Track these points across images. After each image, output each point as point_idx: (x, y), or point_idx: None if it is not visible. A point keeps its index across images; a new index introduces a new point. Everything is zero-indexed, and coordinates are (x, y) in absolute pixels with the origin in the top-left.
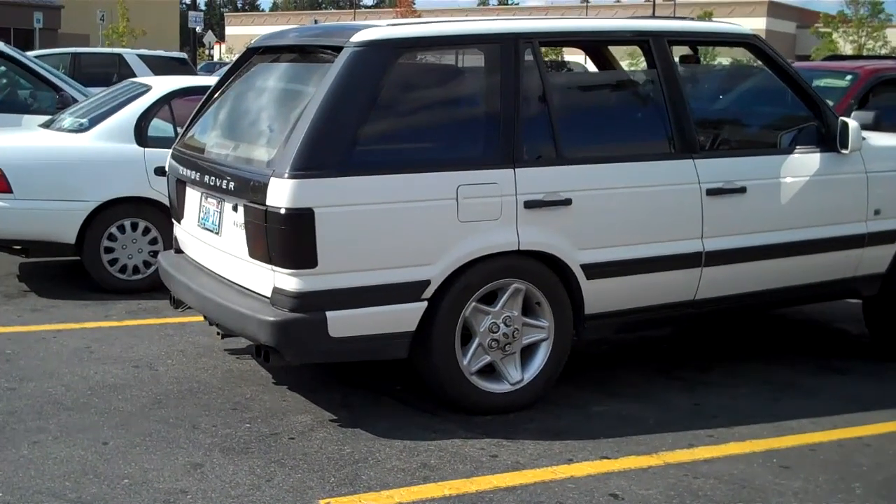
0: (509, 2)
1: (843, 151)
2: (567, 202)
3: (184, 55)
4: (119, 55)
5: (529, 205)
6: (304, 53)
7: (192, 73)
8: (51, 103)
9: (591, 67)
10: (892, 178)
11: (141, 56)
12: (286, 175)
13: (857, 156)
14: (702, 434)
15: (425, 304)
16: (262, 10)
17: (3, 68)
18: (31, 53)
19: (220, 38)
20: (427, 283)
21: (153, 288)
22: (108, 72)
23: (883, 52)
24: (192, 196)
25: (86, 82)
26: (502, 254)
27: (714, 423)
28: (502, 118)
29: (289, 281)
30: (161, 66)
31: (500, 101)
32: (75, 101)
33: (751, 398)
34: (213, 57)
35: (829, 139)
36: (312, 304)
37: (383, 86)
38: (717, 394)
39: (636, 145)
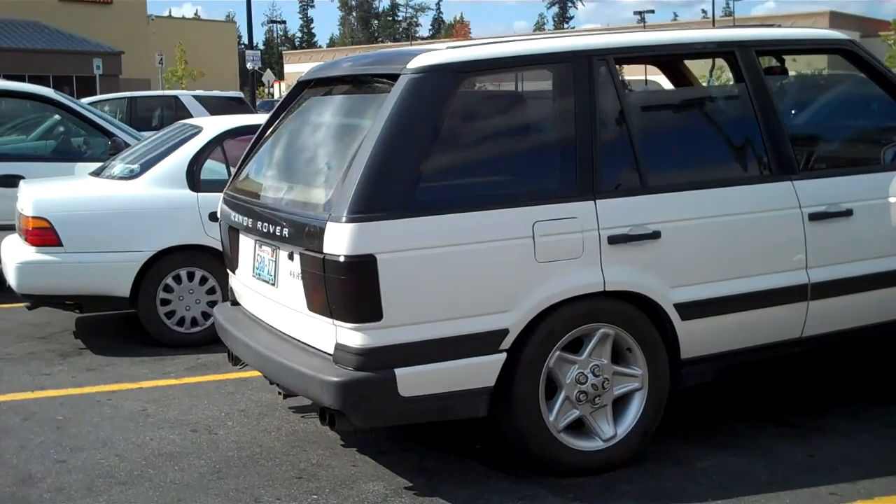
0: (565, 25)
1: None
2: (655, 235)
3: (240, 94)
4: (175, 97)
5: (614, 240)
6: (359, 84)
7: (250, 112)
8: (104, 150)
9: (667, 85)
10: None
11: (197, 97)
12: (344, 219)
13: None
14: (822, 491)
15: (504, 355)
16: (320, 47)
17: (56, 116)
18: (85, 100)
19: (279, 76)
20: (505, 332)
21: (213, 341)
22: (164, 114)
23: None
24: (246, 244)
25: (143, 126)
26: (586, 296)
27: (835, 478)
28: (578, 145)
29: (352, 336)
30: (217, 107)
31: (574, 125)
32: (128, 146)
33: (873, 446)
34: (272, 95)
35: None
36: (379, 362)
37: (446, 115)
38: (834, 442)
39: (728, 168)
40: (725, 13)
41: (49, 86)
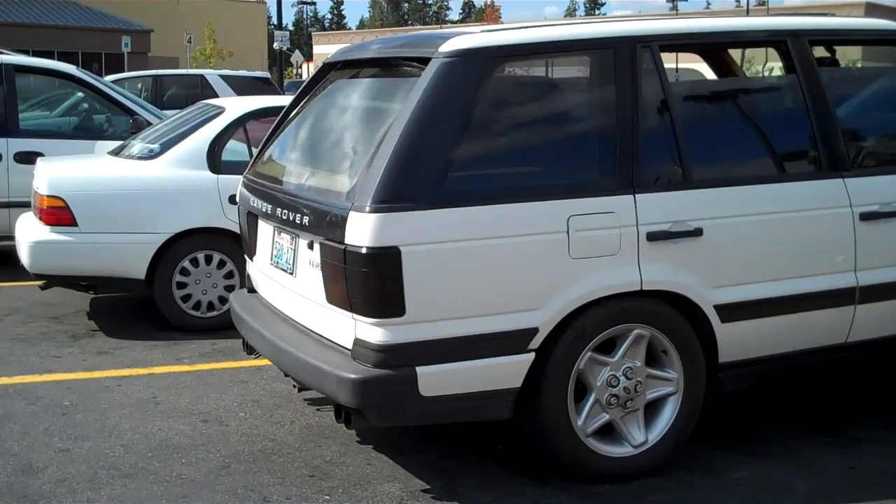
0: (596, 12)
1: None
2: (697, 232)
3: (267, 74)
4: (201, 76)
5: (653, 236)
6: (388, 67)
7: (276, 92)
8: (126, 128)
9: (708, 74)
10: None
11: (223, 77)
12: (367, 208)
13: None
14: None
15: (532, 355)
16: (349, 28)
17: (79, 94)
18: (109, 77)
19: (308, 57)
20: (534, 331)
21: (229, 326)
22: (190, 93)
23: None
24: (265, 230)
25: (169, 105)
26: (622, 295)
27: (878, 494)
28: (619, 136)
29: (372, 332)
30: (244, 87)
31: (615, 115)
32: (150, 125)
33: None
34: (301, 76)
35: None
36: (400, 359)
37: (479, 101)
38: (876, 453)
39: (777, 163)
40: (759, 2)
41: (77, 63)
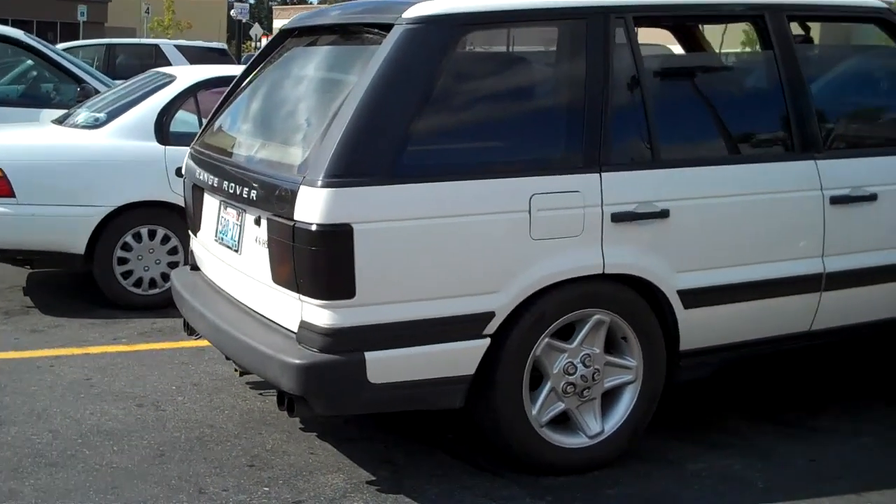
0: None
1: None
2: (664, 214)
3: (223, 45)
4: (156, 46)
5: (618, 217)
6: (347, 34)
7: (232, 63)
8: (74, 97)
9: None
10: None
11: (179, 47)
12: (319, 183)
13: None
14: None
15: (488, 341)
16: (310, 3)
17: (28, 61)
18: (61, 45)
19: (268, 30)
20: (490, 315)
21: (171, 304)
22: (144, 63)
23: None
24: (210, 205)
25: (121, 75)
26: (583, 278)
27: (838, 488)
28: (587, 111)
29: (320, 314)
30: (199, 57)
31: (584, 90)
32: (98, 93)
33: (878, 451)
34: (259, 49)
35: None
36: (348, 344)
37: (442, 72)
38: (836, 444)
39: (749, 143)
40: None
41: (32, 32)
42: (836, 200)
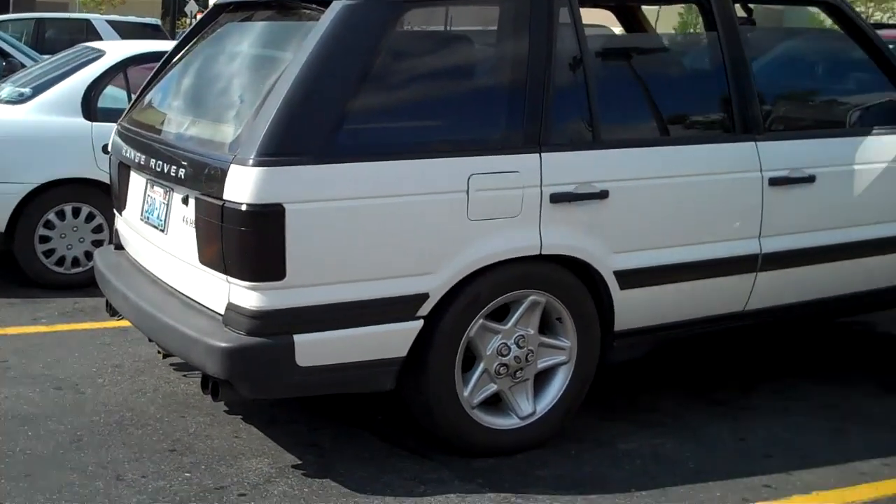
0: None
1: None
2: (603, 195)
3: (157, 21)
4: (87, 21)
5: (557, 198)
6: (284, 10)
7: (165, 40)
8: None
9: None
10: None
11: (111, 22)
12: (251, 161)
13: None
14: (755, 483)
15: (421, 322)
16: None
17: None
18: None
19: (204, 7)
20: (425, 297)
21: (94, 283)
22: (74, 38)
23: (891, 23)
24: (137, 183)
25: (51, 50)
26: (519, 259)
27: (769, 467)
28: (529, 91)
29: (247, 296)
30: (132, 33)
31: (526, 69)
32: (24, 67)
33: (807, 430)
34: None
35: None
36: (277, 326)
37: (381, 50)
38: (766, 424)
39: (690, 124)
40: None
41: None
42: (774, 182)
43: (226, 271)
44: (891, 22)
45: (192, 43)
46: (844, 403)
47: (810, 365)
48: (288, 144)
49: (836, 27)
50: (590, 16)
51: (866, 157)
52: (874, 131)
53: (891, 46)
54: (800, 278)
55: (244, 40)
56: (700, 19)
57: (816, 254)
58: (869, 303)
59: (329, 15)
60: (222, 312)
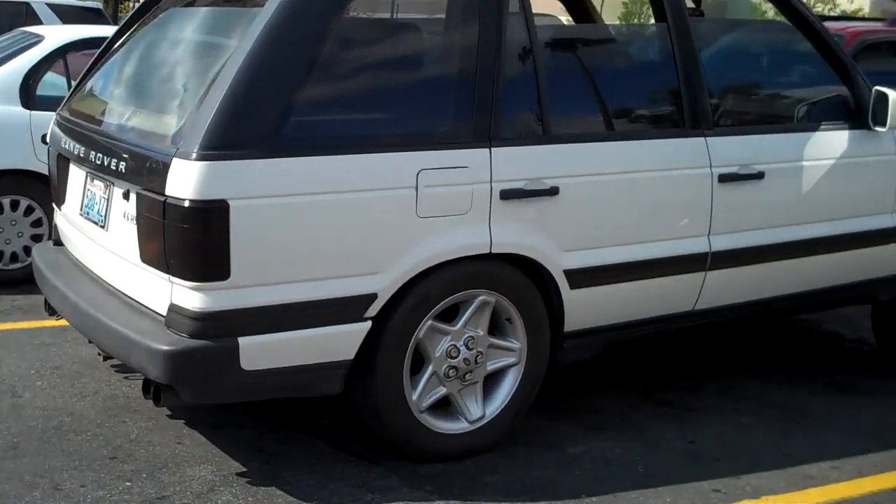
0: None
1: (878, 129)
2: (553, 191)
3: (98, 5)
4: (26, 4)
5: (507, 195)
6: None
7: (107, 24)
8: None
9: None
10: None
11: (51, 5)
12: (194, 155)
13: (889, 134)
14: (705, 487)
15: (369, 324)
16: None
17: None
18: None
19: None
20: (373, 297)
21: (34, 280)
22: (13, 23)
23: (831, 14)
24: (76, 176)
25: None
26: (469, 258)
27: (717, 471)
28: (478, 83)
29: (191, 297)
30: (73, 17)
31: (476, 61)
32: None
33: (755, 431)
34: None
35: (860, 113)
36: (220, 328)
37: (328, 38)
38: (714, 425)
39: (640, 119)
40: None
41: None
42: (724, 178)
43: (168, 271)
44: (832, 14)
45: (133, 29)
46: (791, 403)
47: (756, 363)
48: (232, 137)
49: (781, 18)
50: (538, 4)
51: (814, 154)
52: (822, 127)
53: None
54: (749, 277)
55: (187, 26)
56: (645, 9)
57: (765, 252)
58: (819, 301)
59: (274, 1)
60: (164, 314)
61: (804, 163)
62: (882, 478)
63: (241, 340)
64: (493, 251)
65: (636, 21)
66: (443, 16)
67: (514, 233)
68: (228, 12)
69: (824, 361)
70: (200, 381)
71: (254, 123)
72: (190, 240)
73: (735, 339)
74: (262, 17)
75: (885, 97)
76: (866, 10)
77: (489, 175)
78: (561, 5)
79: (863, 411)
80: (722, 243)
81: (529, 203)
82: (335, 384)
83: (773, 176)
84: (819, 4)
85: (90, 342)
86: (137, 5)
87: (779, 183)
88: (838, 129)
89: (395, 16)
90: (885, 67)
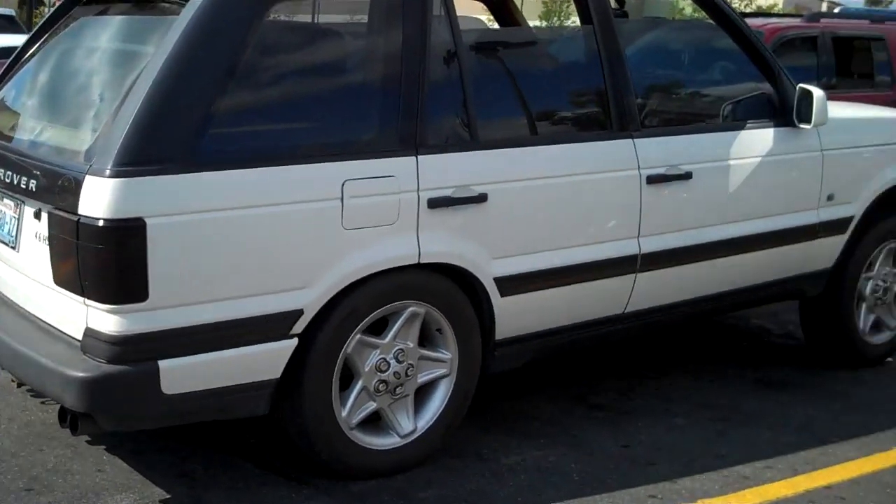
0: None
1: (804, 126)
2: (482, 198)
3: (11, 12)
4: None
5: (435, 203)
6: (143, 2)
7: (20, 32)
8: None
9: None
10: (847, 155)
11: None
12: (108, 172)
13: (813, 131)
14: (642, 493)
15: (295, 341)
16: None
17: None
18: None
19: None
20: (299, 313)
21: None
22: None
23: (748, 11)
24: None
25: None
26: (397, 269)
27: (653, 475)
28: (403, 90)
29: (107, 320)
30: None
31: (400, 66)
32: None
33: (688, 432)
34: None
35: (785, 111)
36: (139, 352)
37: (248, 45)
38: (648, 427)
39: (567, 122)
40: None
41: None
42: (652, 180)
43: (83, 293)
44: (748, 10)
45: (44, 38)
46: (723, 401)
47: (687, 361)
48: (148, 152)
49: (702, 16)
50: (459, 4)
51: (741, 153)
52: (748, 125)
53: None
54: (679, 277)
55: (102, 34)
56: (566, 7)
57: (695, 252)
58: (749, 299)
59: (191, 7)
60: (80, 338)
61: (731, 162)
62: (815, 475)
63: (162, 364)
64: (422, 261)
65: (557, 20)
66: (365, 19)
67: (442, 242)
68: (144, 19)
69: (753, 357)
70: (120, 408)
71: (170, 136)
72: (105, 260)
73: (666, 336)
74: (178, 24)
75: (809, 94)
76: (780, 6)
77: (416, 183)
78: (482, 6)
79: (792, 407)
80: (652, 245)
81: (458, 211)
82: (262, 405)
83: (701, 176)
84: (736, 1)
85: (2, 368)
86: (51, 11)
87: (707, 182)
88: (764, 127)
89: (316, 20)
90: (803, 62)
